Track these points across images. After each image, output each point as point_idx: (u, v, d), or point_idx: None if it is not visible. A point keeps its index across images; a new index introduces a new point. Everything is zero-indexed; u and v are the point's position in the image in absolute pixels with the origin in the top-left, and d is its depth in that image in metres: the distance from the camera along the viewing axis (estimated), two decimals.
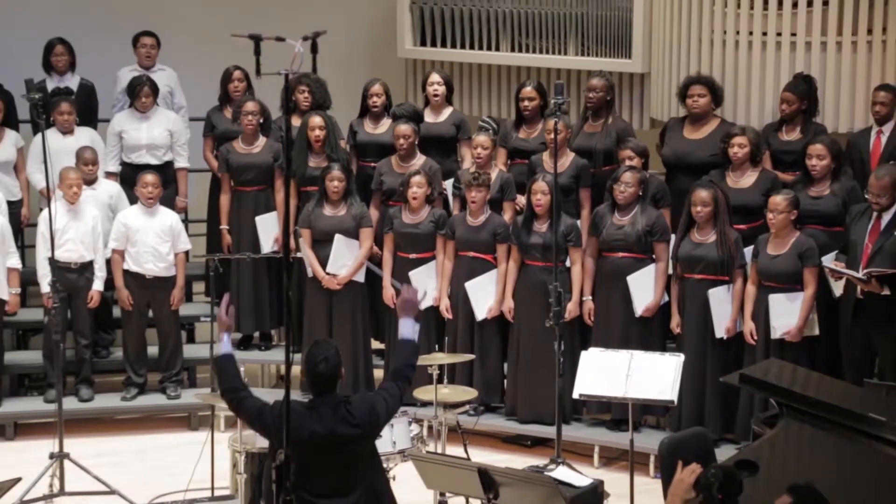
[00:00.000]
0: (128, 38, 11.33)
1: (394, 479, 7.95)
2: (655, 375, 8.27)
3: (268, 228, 10.40)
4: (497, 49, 11.76)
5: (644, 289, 9.35)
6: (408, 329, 6.31)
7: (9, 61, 10.96)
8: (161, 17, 11.74)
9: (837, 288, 9.02)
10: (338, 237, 9.90)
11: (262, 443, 7.81)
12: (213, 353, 9.91)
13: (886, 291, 8.61)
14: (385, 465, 7.97)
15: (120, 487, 8.82)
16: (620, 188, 9.32)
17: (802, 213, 9.04)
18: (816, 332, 8.95)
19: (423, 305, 9.76)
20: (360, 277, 10.01)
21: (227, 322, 6.29)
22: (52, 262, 9.24)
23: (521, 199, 9.76)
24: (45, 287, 9.41)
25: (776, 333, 8.92)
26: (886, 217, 8.78)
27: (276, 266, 10.41)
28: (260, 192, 10.47)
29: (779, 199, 8.89)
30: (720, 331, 9.13)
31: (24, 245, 10.44)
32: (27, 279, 10.21)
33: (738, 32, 10.27)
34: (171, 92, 11.32)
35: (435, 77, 10.67)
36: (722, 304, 9.11)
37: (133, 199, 10.15)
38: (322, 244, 9.93)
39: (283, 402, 5.90)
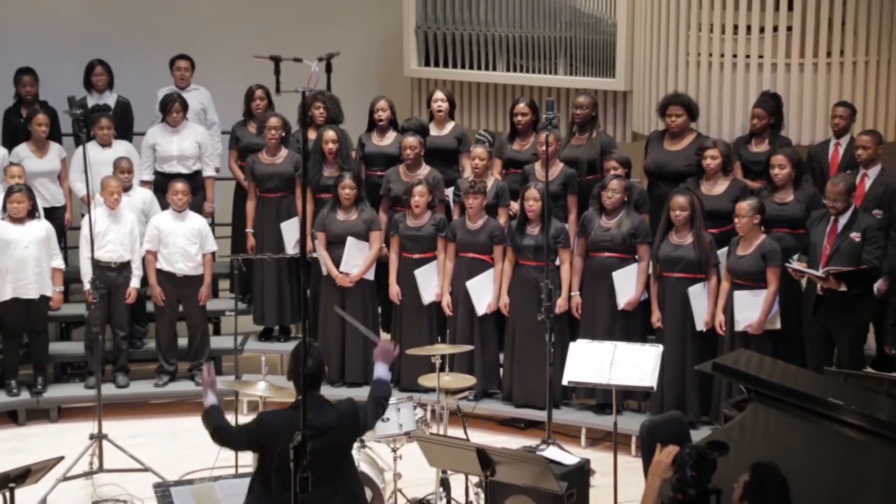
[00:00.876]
0: (162, 59, 11.32)
1: (400, 458, 7.99)
2: (637, 364, 8.29)
3: (291, 233, 10.40)
4: (494, 69, 11.78)
5: (627, 285, 9.37)
6: (382, 372, 6.54)
7: (53, 81, 10.95)
8: (190, 40, 11.73)
9: (802, 284, 9.04)
10: (350, 239, 9.91)
11: None
12: (236, 345, 10.01)
13: (843, 288, 8.63)
14: (392, 446, 8.01)
15: (153, 465, 8.85)
16: (608, 194, 9.33)
17: (769, 217, 9.06)
18: (778, 325, 8.97)
19: (427, 301, 9.79)
20: (370, 276, 10.02)
21: (210, 381, 6.64)
22: (94, 262, 9.27)
23: (515, 205, 9.76)
24: (86, 285, 9.42)
25: (739, 326, 8.95)
26: (842, 220, 8.80)
27: (296, 266, 10.42)
28: (282, 198, 10.46)
29: (743, 205, 8.92)
30: (700, 324, 9.15)
31: (67, 247, 10.46)
32: (70, 277, 10.24)
33: (710, 55, 10.29)
34: (205, 109, 11.31)
35: (438, 94, 10.67)
36: (701, 300, 9.14)
37: (165, 205, 10.17)
38: (335, 246, 9.94)
39: (260, 415, 6.23)
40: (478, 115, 11.97)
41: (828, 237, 8.83)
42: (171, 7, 12.21)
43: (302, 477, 5.35)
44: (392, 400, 7.99)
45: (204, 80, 11.42)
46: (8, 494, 6.88)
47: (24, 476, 6.93)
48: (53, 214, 10.31)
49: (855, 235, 8.75)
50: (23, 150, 10.53)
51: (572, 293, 9.49)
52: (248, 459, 8.26)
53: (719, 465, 5.62)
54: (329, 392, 9.31)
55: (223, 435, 6.49)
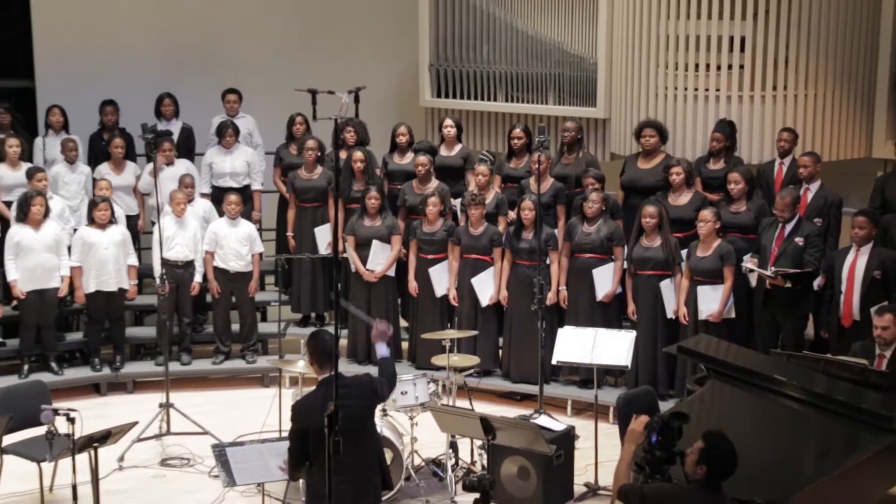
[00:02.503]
0: (216, 92, 11.34)
1: (416, 424, 7.99)
2: (614, 347, 8.29)
3: (325, 236, 10.39)
4: (494, 100, 11.77)
5: (605, 281, 9.35)
6: (383, 350, 6.26)
7: (129, 110, 10.97)
8: (239, 75, 11.74)
9: (752, 280, 9.02)
10: (375, 242, 9.90)
11: None
12: (280, 330, 10.02)
13: (788, 285, 8.64)
14: (410, 415, 8.01)
15: (211, 429, 8.88)
16: (589, 205, 9.32)
17: (725, 224, 9.05)
18: (733, 315, 8.96)
19: (439, 294, 9.78)
20: (392, 272, 10.01)
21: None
22: (163, 261, 9.33)
23: (512, 214, 9.75)
24: (157, 279, 9.43)
25: (702, 315, 8.93)
26: (788, 227, 8.80)
27: (328, 264, 10.43)
28: (317, 208, 10.46)
29: (706, 213, 8.90)
30: (670, 313, 9.14)
31: (140, 248, 10.48)
32: (143, 273, 10.27)
33: (676, 88, 10.30)
34: (251, 133, 11.32)
35: (448, 121, 10.67)
36: (670, 293, 9.12)
37: (221, 213, 10.17)
38: (362, 247, 9.93)
39: (292, 408, 5.91)
40: (481, 138, 11.95)
41: (776, 241, 8.81)
42: (224, 48, 12.22)
43: (335, 441, 5.35)
44: (409, 377, 8.03)
45: (250, 108, 11.42)
46: (92, 452, 6.96)
47: (105, 437, 6.98)
48: (129, 221, 10.32)
49: (799, 240, 8.74)
50: (104, 168, 10.57)
51: (560, 288, 9.48)
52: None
53: (684, 431, 5.63)
54: (358, 370, 9.38)
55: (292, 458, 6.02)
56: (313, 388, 6.02)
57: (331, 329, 6.36)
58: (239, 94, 11.28)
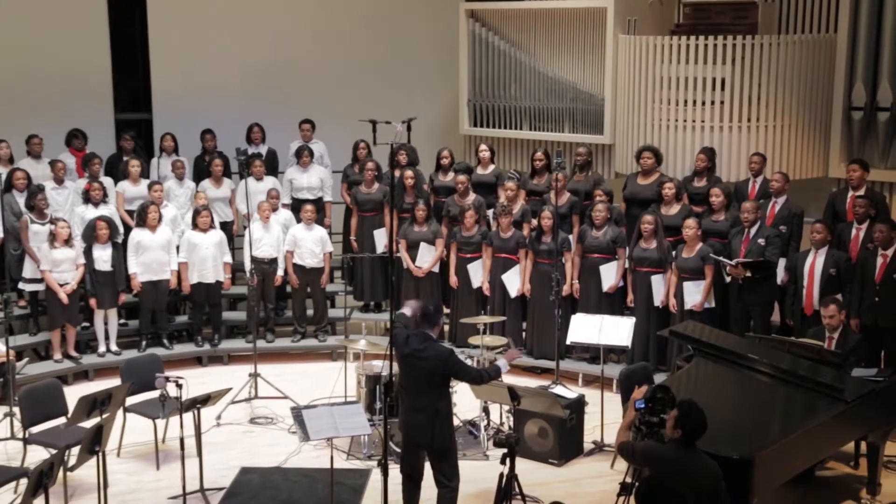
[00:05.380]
0: (295, 120, 11.37)
1: (455, 392, 7.96)
2: (617, 330, 8.26)
3: (381, 239, 10.40)
4: (521, 129, 11.75)
5: (610, 276, 9.31)
6: (502, 364, 6.42)
7: (226, 136, 11.05)
8: (314, 107, 11.78)
9: (726, 276, 8.97)
10: (422, 244, 9.92)
11: (375, 370, 7.95)
12: (346, 314, 10.02)
13: (749, 274, 8.58)
14: (451, 386, 7.99)
15: (290, 394, 8.91)
16: (597, 214, 9.29)
17: (706, 231, 9.00)
18: (713, 304, 8.90)
19: (475, 286, 9.77)
20: (436, 269, 10.01)
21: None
22: (253, 258, 9.39)
23: (535, 222, 9.75)
24: (248, 273, 9.49)
25: (687, 306, 8.86)
26: (753, 230, 8.75)
27: (385, 262, 10.44)
28: (375, 216, 10.45)
29: (689, 222, 8.85)
30: (657, 302, 9.09)
31: (234, 248, 10.54)
32: (236, 268, 10.30)
33: (668, 119, 10.26)
34: (322, 156, 11.34)
35: (483, 146, 10.64)
36: (660, 286, 9.07)
37: (298, 220, 10.21)
38: (412, 249, 9.95)
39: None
40: (509, 160, 11.93)
41: (743, 243, 8.76)
42: (300, 86, 12.24)
43: (389, 403, 5.41)
44: None
45: (322, 134, 11.43)
46: (195, 412, 7.01)
47: (205, 400, 7.02)
48: (224, 226, 10.39)
49: (761, 241, 8.70)
50: (206, 183, 10.63)
51: (573, 282, 9.44)
52: (353, 392, 8.37)
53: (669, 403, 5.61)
54: None
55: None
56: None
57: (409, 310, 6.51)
58: (312, 124, 11.31)
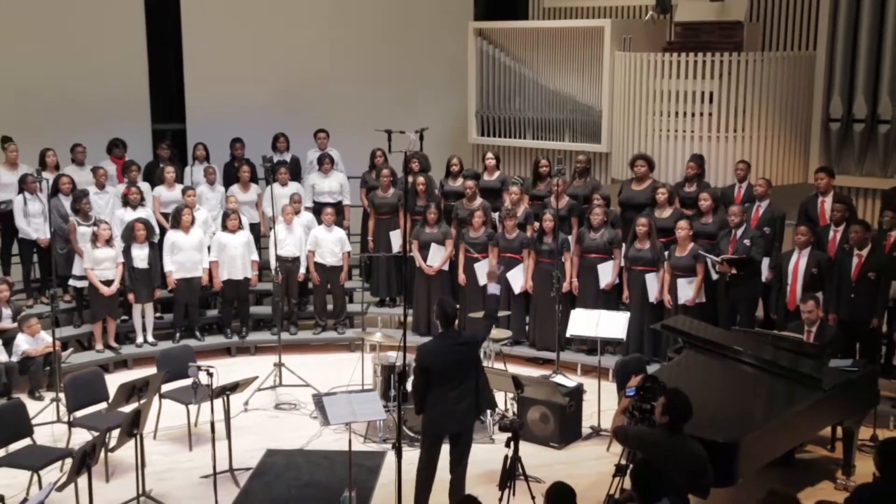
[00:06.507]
0: (310, 130, 11.37)
1: None
2: (613, 324, 8.27)
3: (396, 240, 10.39)
4: (524, 138, 11.78)
5: (607, 274, 9.29)
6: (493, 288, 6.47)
7: (253, 144, 11.05)
8: (334, 117, 11.79)
9: (714, 274, 8.96)
10: (433, 245, 9.89)
11: (390, 360, 7.94)
12: (363, 309, 10.03)
13: (734, 270, 8.57)
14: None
15: (312, 382, 8.92)
16: (595, 217, 9.28)
17: (696, 233, 8.98)
18: (703, 299, 8.89)
19: (482, 284, 9.75)
20: (446, 267, 9.99)
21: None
22: (278, 257, 9.39)
23: (537, 224, 9.75)
24: (273, 271, 9.48)
25: (680, 301, 8.86)
26: (738, 232, 8.73)
27: (399, 260, 10.44)
28: (390, 219, 10.44)
29: (682, 224, 8.84)
30: (651, 298, 9.07)
31: (261, 247, 10.57)
32: (262, 266, 10.26)
33: (660, 130, 10.28)
34: (337, 162, 11.38)
35: (489, 154, 10.61)
36: (653, 283, 9.06)
37: (319, 222, 10.21)
38: (424, 248, 9.93)
39: (418, 350, 6.05)
40: (514, 167, 11.96)
41: (730, 244, 8.75)
42: (320, 98, 12.26)
43: (403, 391, 5.40)
44: None
45: (341, 143, 11.39)
46: (225, 399, 7.04)
47: (234, 387, 7.05)
48: (252, 228, 10.39)
49: (746, 241, 8.68)
50: (234, 188, 10.63)
51: (572, 279, 9.43)
52: (369, 381, 8.37)
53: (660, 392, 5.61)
54: (420, 340, 9.39)
55: (417, 390, 6.12)
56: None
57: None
58: (327, 133, 11.29)
